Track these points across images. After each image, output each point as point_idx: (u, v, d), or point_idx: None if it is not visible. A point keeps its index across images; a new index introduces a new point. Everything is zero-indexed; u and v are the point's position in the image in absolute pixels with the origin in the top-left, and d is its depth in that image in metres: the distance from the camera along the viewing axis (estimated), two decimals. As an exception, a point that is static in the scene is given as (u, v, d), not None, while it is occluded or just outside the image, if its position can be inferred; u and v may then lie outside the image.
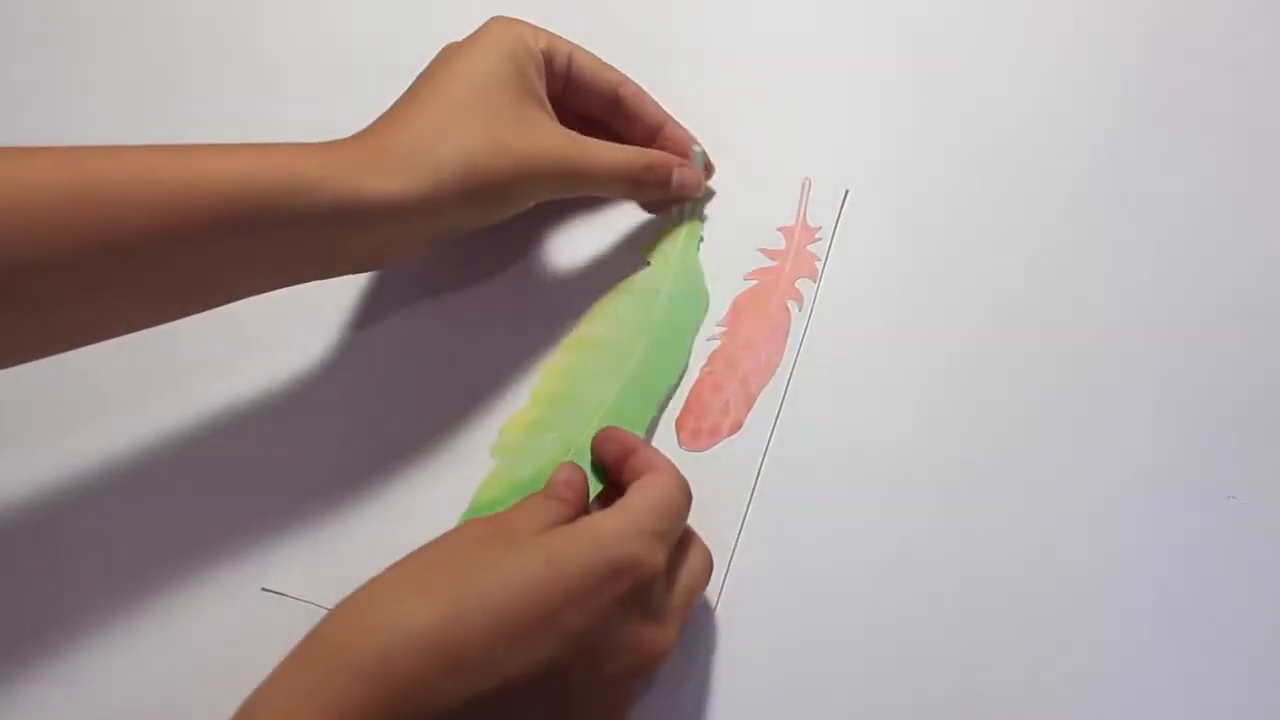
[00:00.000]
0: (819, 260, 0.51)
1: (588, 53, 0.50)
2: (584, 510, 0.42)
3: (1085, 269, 0.51)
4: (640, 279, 0.51)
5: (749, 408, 0.48)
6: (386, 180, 0.40)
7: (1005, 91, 0.55)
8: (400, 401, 0.49)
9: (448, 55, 0.46)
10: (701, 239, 0.52)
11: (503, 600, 0.34)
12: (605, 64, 0.50)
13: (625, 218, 0.53)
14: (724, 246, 0.52)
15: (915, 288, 0.51)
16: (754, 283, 0.51)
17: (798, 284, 0.51)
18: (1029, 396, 0.49)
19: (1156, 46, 0.55)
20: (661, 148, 0.51)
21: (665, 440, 0.48)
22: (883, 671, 0.44)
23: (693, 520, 0.46)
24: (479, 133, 0.43)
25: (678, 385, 0.49)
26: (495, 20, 0.47)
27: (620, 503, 0.39)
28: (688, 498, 0.41)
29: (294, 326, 0.49)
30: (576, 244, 0.52)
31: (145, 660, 0.44)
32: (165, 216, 0.37)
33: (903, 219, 0.52)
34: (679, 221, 0.52)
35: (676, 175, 0.50)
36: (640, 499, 0.39)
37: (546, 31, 0.48)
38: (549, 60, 0.47)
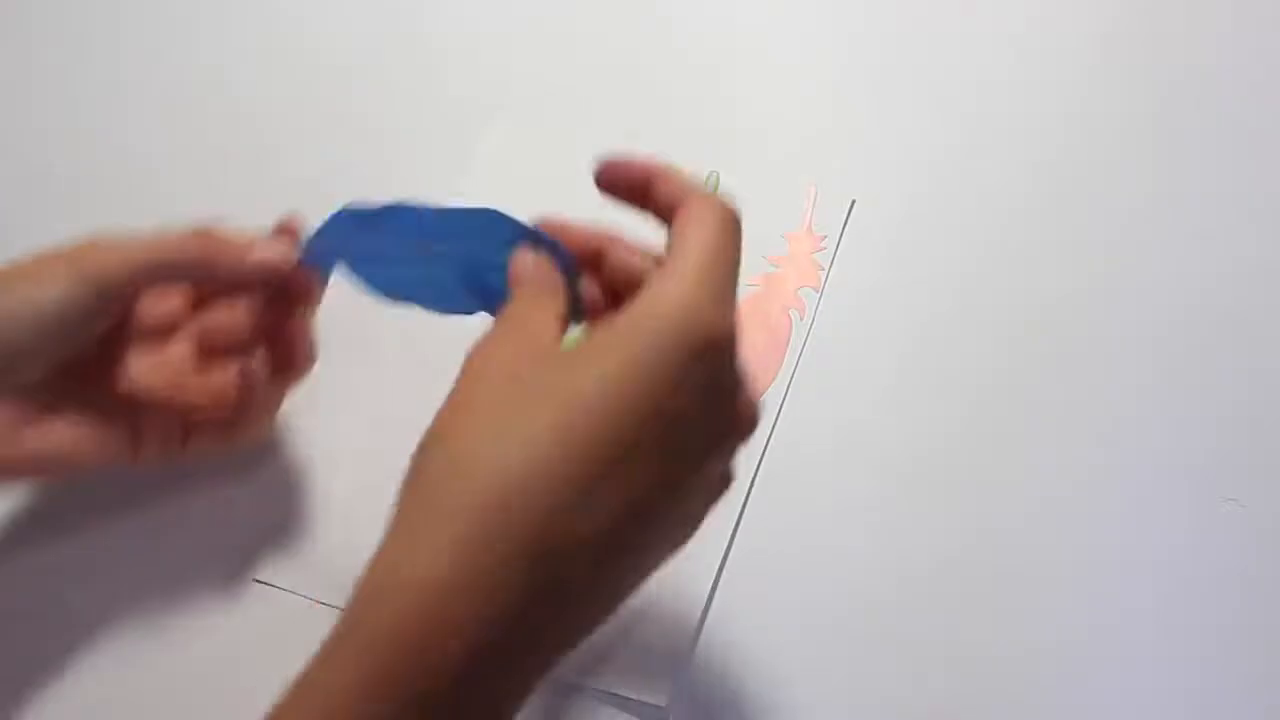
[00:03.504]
0: (823, 269, 0.51)
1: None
2: (565, 286, 0.38)
3: (1087, 277, 0.51)
4: (644, 287, 0.51)
5: (746, 414, 0.48)
6: None
7: (1013, 104, 0.54)
8: (400, 407, 0.49)
9: None
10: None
11: (605, 411, 0.31)
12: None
13: (633, 227, 0.53)
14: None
15: (917, 299, 0.51)
16: (757, 288, 0.51)
17: (800, 292, 0.51)
18: (1029, 404, 0.49)
19: (1163, 54, 0.55)
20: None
21: (661, 445, 0.48)
22: (879, 674, 0.44)
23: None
24: None
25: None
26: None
27: (670, 265, 0.33)
28: (738, 226, 0.35)
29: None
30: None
31: (140, 651, 0.45)
32: None
33: (908, 230, 0.52)
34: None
35: (253, 257, 0.41)
36: (691, 255, 0.33)
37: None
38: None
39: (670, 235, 0.35)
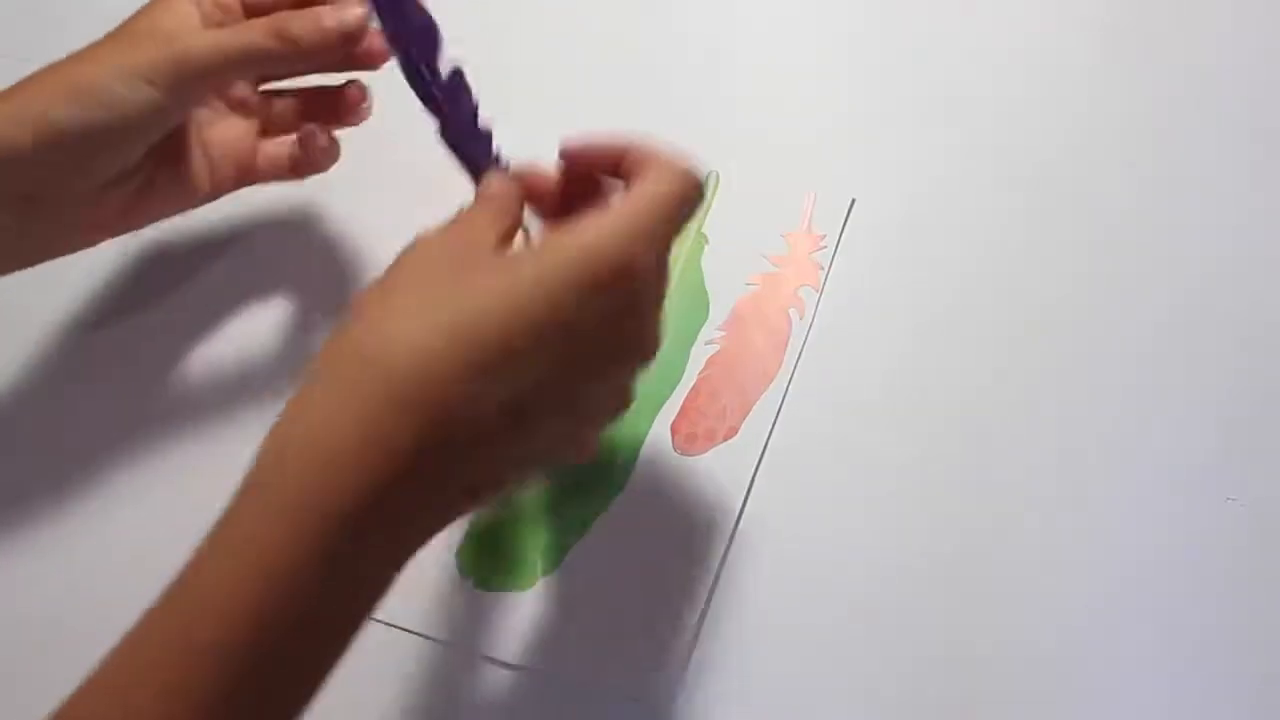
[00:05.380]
0: (822, 269, 0.51)
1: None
2: (521, 207, 0.41)
3: (1087, 277, 0.51)
4: (643, 285, 0.51)
5: (745, 414, 0.49)
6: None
7: (1013, 104, 0.54)
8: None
9: None
10: (706, 241, 0.52)
11: (508, 310, 0.34)
12: None
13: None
14: (729, 249, 0.52)
15: (917, 299, 0.51)
16: (756, 288, 0.51)
17: (800, 291, 0.51)
18: (1029, 404, 0.48)
19: (1163, 54, 0.55)
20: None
21: (659, 444, 0.48)
22: (876, 674, 0.44)
23: (683, 525, 0.47)
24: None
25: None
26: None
27: (609, 207, 0.37)
28: (696, 188, 0.38)
29: (290, 331, 0.50)
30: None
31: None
32: None
33: (908, 229, 0.52)
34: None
35: (329, 19, 0.43)
36: (629, 200, 0.37)
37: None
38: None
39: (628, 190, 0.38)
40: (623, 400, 0.39)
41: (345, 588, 0.33)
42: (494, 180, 0.41)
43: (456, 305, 0.34)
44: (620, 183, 0.40)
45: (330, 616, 0.33)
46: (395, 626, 0.45)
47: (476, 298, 0.35)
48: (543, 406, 0.36)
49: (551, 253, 0.36)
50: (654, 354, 0.39)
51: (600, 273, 0.35)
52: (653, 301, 0.39)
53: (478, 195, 0.41)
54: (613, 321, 0.36)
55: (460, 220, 0.39)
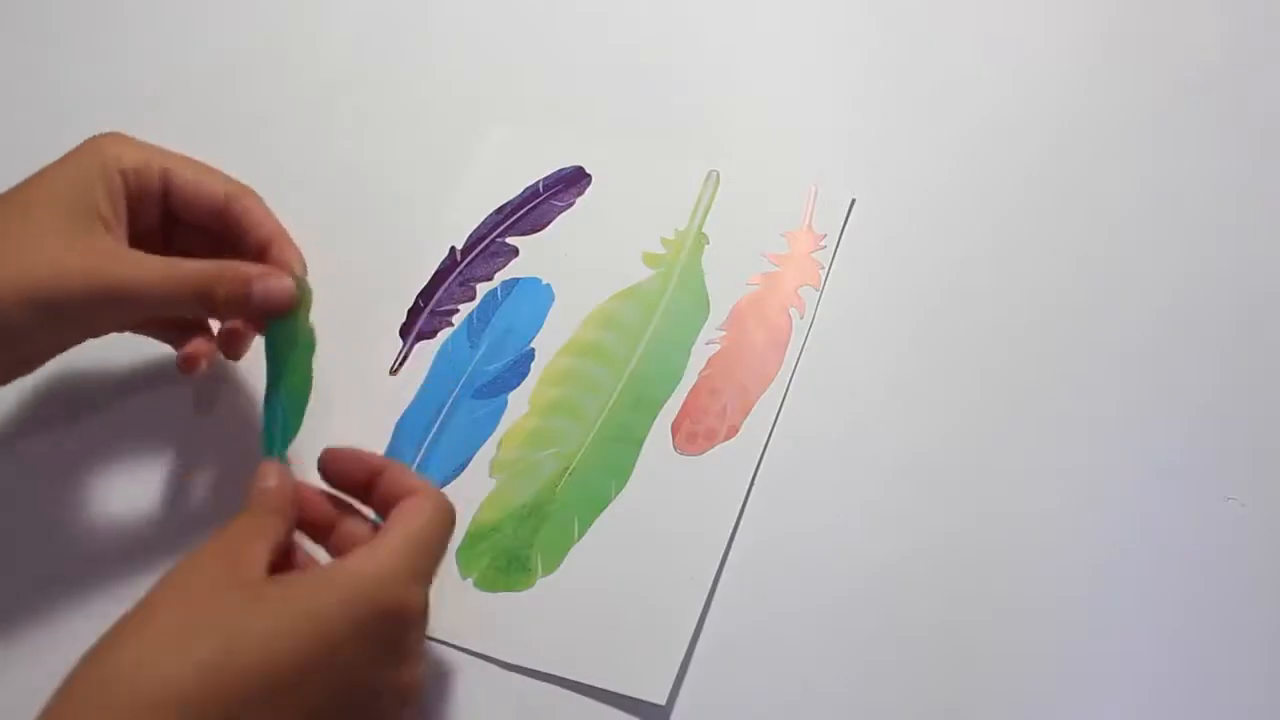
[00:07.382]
0: (823, 268, 0.51)
1: (195, 165, 0.46)
2: (294, 516, 0.41)
3: (1087, 276, 0.51)
4: (643, 286, 0.51)
5: (746, 414, 0.49)
6: None
7: (1013, 103, 0.55)
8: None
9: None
10: (707, 241, 0.52)
11: (268, 656, 0.34)
12: (216, 176, 0.47)
13: (632, 223, 0.53)
14: (729, 249, 0.52)
15: (917, 298, 0.51)
16: (756, 288, 0.51)
17: (800, 291, 0.51)
18: (1029, 403, 0.48)
19: (1164, 54, 0.55)
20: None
21: (660, 443, 0.48)
22: (875, 675, 0.44)
23: (686, 524, 0.47)
24: None
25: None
26: (90, 139, 0.45)
27: (379, 540, 0.38)
28: (451, 522, 0.41)
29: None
30: (580, 249, 0.52)
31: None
32: None
33: (908, 230, 0.53)
34: (687, 226, 0.53)
35: (258, 287, 0.43)
36: (399, 535, 0.38)
37: (145, 149, 0.45)
38: (138, 180, 0.45)
39: (386, 522, 0.39)
40: None
41: None
42: (271, 475, 0.40)
43: (216, 638, 0.34)
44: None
45: None
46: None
47: (239, 630, 0.34)
48: None
49: (324, 589, 0.36)
50: (417, 695, 0.39)
51: (373, 613, 0.36)
52: (418, 640, 0.39)
53: (252, 494, 0.40)
54: (382, 659, 0.37)
55: (227, 541, 0.38)
